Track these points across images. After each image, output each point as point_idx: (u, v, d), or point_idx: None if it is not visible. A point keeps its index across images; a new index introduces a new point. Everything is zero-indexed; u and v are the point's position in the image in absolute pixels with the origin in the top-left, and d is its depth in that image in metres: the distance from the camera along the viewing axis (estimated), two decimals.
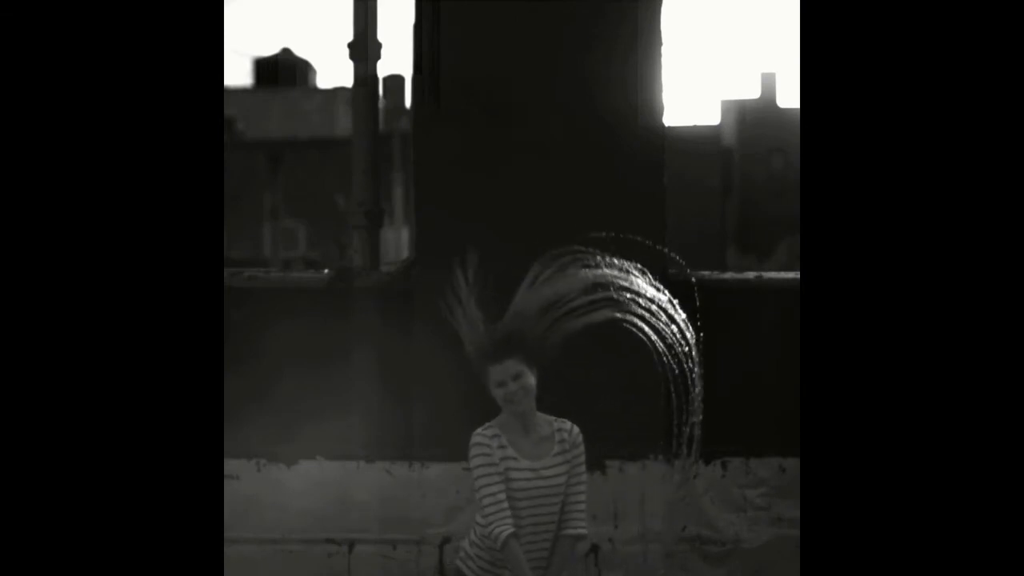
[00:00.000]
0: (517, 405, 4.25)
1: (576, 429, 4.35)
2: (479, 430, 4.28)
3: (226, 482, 5.74)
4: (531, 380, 4.26)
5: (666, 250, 5.52)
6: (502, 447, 4.24)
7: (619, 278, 4.35)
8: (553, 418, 4.36)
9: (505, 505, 4.16)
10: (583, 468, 4.33)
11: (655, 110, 5.78)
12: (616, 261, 4.40)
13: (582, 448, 4.34)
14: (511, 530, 4.13)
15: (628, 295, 4.34)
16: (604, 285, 4.29)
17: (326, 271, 6.20)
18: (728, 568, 5.82)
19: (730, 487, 5.84)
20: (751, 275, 6.06)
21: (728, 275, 6.13)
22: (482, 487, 4.19)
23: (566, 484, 4.28)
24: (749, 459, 5.84)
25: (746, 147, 40.33)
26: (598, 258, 4.32)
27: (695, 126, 37.14)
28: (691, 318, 4.47)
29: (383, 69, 8.40)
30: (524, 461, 4.24)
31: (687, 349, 4.41)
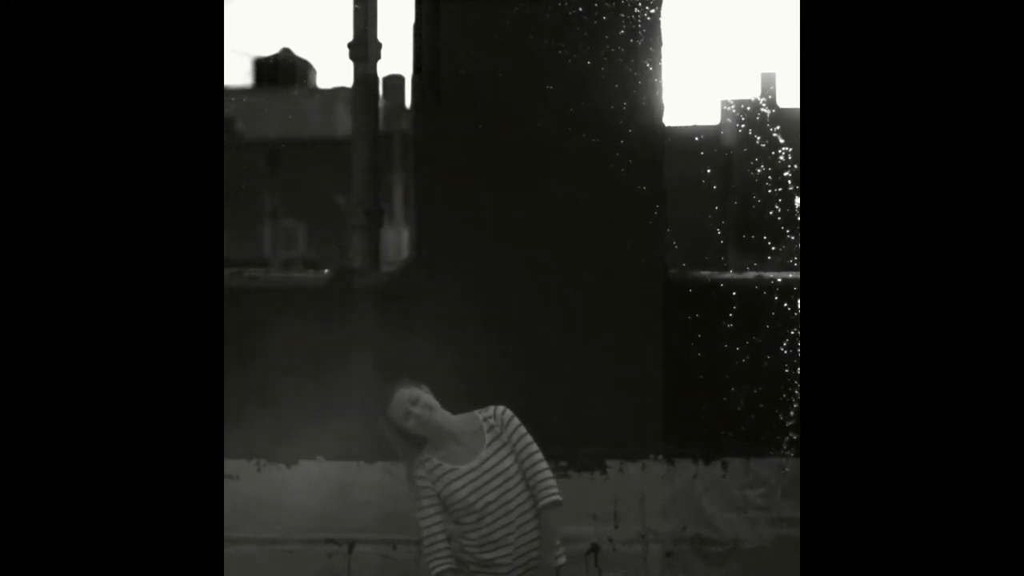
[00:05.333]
0: (432, 422, 4.41)
1: (500, 409, 4.45)
2: (414, 465, 4.43)
3: (226, 482, 5.74)
4: (426, 396, 4.45)
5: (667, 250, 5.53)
6: (436, 467, 4.39)
7: None
8: (478, 411, 4.45)
9: (440, 539, 4.34)
10: (528, 439, 4.44)
11: (655, 110, 5.78)
12: None
13: (516, 422, 4.45)
14: (444, 567, 4.31)
15: None
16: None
17: (326, 271, 6.20)
18: (728, 568, 5.82)
19: (730, 487, 5.84)
20: (751, 275, 6.06)
21: (728, 275, 6.13)
22: (419, 521, 4.38)
23: (518, 461, 4.37)
24: (749, 459, 5.84)
25: (746, 147, 40.26)
26: None
27: (695, 126, 37.05)
28: (770, 320, 4.47)
29: (383, 69, 8.40)
30: (463, 466, 4.38)
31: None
